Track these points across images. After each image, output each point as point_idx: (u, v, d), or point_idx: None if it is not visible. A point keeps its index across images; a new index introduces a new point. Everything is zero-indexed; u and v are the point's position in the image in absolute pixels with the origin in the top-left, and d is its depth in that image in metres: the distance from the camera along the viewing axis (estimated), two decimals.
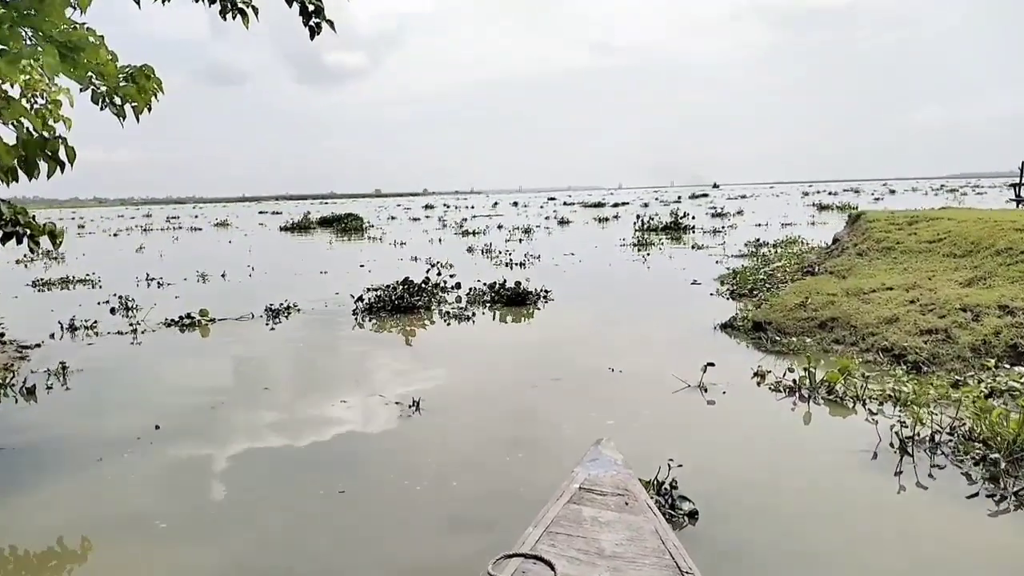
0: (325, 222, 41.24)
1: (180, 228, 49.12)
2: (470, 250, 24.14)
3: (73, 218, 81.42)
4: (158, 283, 17.99)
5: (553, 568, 3.13)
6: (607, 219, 41.54)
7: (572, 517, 3.66)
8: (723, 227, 31.11)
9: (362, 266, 20.39)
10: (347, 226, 38.55)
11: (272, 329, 12.09)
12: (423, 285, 13.83)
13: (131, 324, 12.13)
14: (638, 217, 33.13)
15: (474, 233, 32.97)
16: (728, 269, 15.74)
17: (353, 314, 12.88)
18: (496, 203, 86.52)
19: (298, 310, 13.36)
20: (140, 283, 18.08)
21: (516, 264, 19.66)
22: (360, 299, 13.12)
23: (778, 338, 9.33)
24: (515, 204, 78.93)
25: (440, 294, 14.13)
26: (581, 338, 10.58)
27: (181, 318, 12.29)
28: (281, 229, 41.42)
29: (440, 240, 29.96)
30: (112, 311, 13.83)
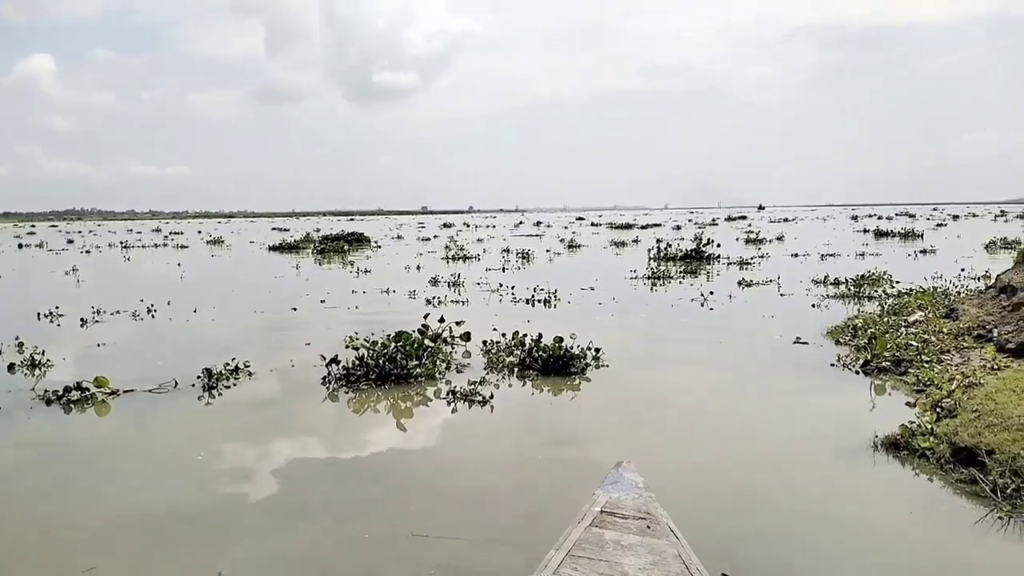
0: (329, 240, 37.47)
1: (165, 245, 45.36)
2: (434, 282, 19.85)
3: (80, 232, 79.05)
4: (91, 316, 14.20)
5: None
6: (624, 244, 37.02)
7: (594, 540, 3.54)
8: (753, 257, 26.51)
9: (322, 301, 16.46)
10: (327, 248, 34.66)
11: (208, 404, 8.36)
12: (422, 338, 9.93)
13: None
14: (659, 242, 29.10)
15: (464, 259, 28.67)
16: (845, 320, 11.68)
17: (324, 383, 9.00)
18: (520, 222, 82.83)
19: (250, 373, 9.49)
20: (55, 318, 14.41)
21: (540, 302, 15.69)
22: (334, 361, 9.20)
23: (1018, 486, 5.26)
24: (537, 223, 75.07)
25: (444, 347, 10.31)
26: (659, 447, 6.57)
27: (67, 390, 8.41)
28: (270, 249, 37.58)
29: (419, 267, 25.37)
30: (10, 368, 10.06)
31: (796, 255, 27.73)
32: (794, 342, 10.72)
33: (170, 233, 66.58)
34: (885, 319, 11.01)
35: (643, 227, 59.43)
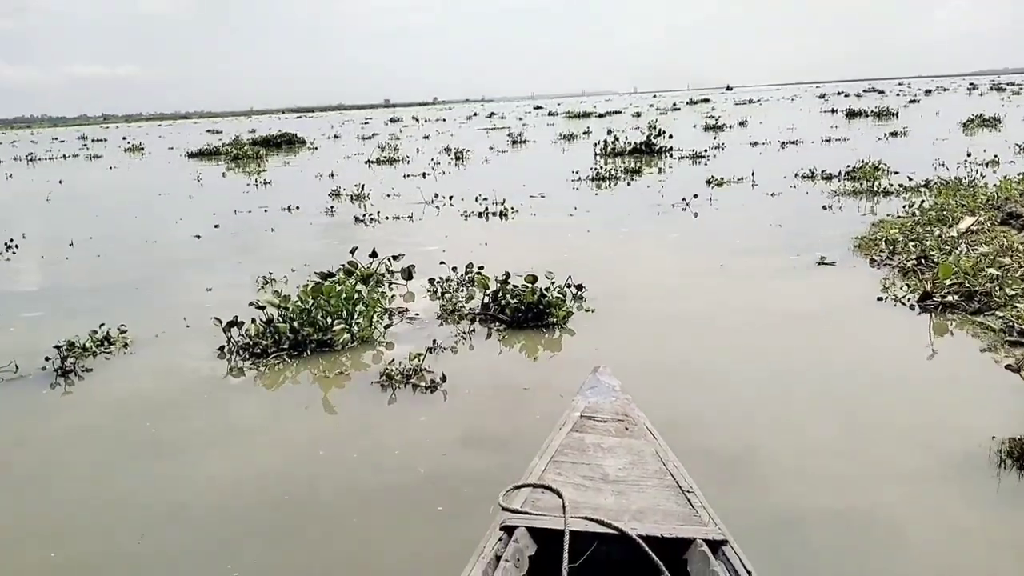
0: (257, 143, 34.08)
1: (76, 156, 41.02)
2: (336, 194, 16.92)
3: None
4: None
5: (560, 496, 3.03)
6: (574, 137, 33.41)
7: (575, 445, 3.60)
8: (707, 149, 23.15)
9: (216, 226, 13.65)
10: (242, 154, 30.86)
11: (67, 394, 6.15)
12: (352, 284, 7.69)
13: None
14: (609, 132, 26.53)
15: (392, 161, 25.49)
16: (872, 229, 9.68)
17: (223, 355, 6.75)
18: (475, 114, 78.87)
19: (126, 344, 7.16)
20: None
21: (495, 215, 13.36)
22: (233, 324, 6.89)
23: None
24: (491, 115, 71.31)
25: (382, 290, 8.19)
26: (699, 454, 4.52)
27: None
28: (189, 156, 33.79)
29: (332, 175, 21.49)
30: None
31: (755, 144, 24.91)
32: (818, 263, 8.67)
33: (92, 140, 61.52)
34: (928, 228, 8.99)
35: (601, 115, 56.40)
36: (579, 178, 17.88)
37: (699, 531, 2.82)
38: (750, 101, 70.47)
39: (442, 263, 8.80)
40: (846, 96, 63.28)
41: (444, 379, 5.72)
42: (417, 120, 69.08)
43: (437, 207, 14.66)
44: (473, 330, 7.00)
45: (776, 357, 6.10)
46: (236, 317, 6.87)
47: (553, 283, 7.55)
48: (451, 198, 15.31)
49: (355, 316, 7.02)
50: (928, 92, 68.13)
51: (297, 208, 15.41)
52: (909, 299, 7.07)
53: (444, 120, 66.46)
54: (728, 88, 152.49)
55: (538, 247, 10.52)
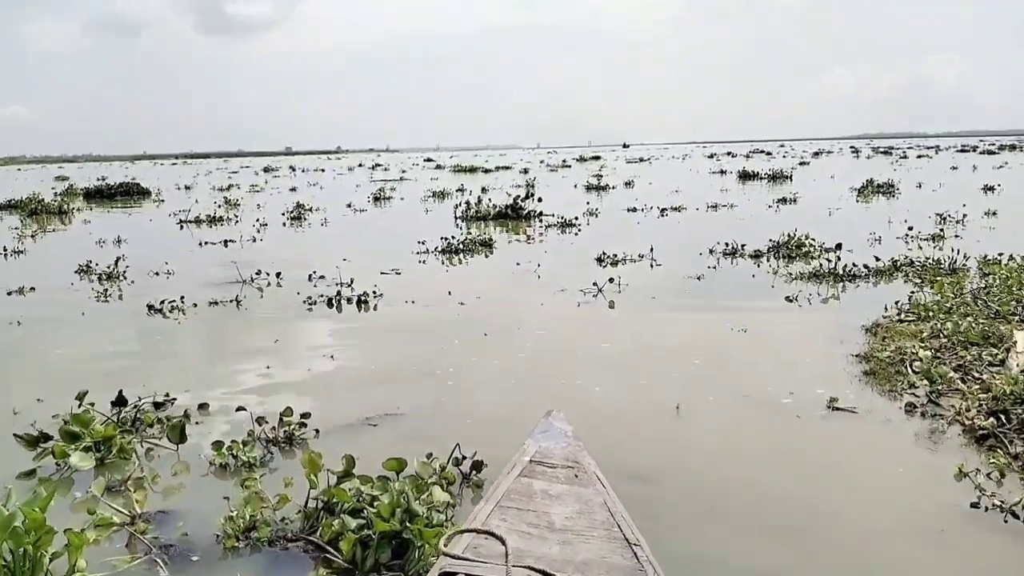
0: (92, 195, 29.22)
1: None
2: (85, 270, 12.58)
3: None
4: None
5: (504, 543, 2.90)
6: (446, 196, 29.27)
7: (523, 491, 3.53)
8: (577, 218, 19.27)
9: None
10: (41, 208, 25.57)
11: None
12: (76, 439, 4.20)
13: None
14: (484, 191, 23.50)
15: (215, 221, 21.07)
16: (878, 347, 6.86)
17: None
18: (360, 164, 75.30)
19: None
20: None
21: (351, 301, 10.04)
22: None
23: None
24: (374, 167, 67.63)
25: (128, 472, 4.86)
26: None
27: None
28: None
29: (119, 240, 16.50)
30: None
31: (634, 210, 21.47)
32: (829, 406, 5.81)
33: None
34: (972, 349, 6.36)
35: (488, 171, 53.94)
36: (426, 249, 14.43)
37: None
38: (641, 159, 70.15)
39: (240, 409, 5.41)
40: (734, 156, 64.06)
41: None
42: (293, 170, 64.54)
43: (259, 288, 11.14)
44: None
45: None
46: None
47: (438, 469, 4.35)
48: (279, 275, 11.68)
49: (44, 568, 3.52)
50: (816, 154, 69.82)
51: (32, 290, 11.21)
52: (992, 502, 4.25)
53: (323, 171, 62.16)
54: (625, 146, 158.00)
55: (410, 368, 7.23)
